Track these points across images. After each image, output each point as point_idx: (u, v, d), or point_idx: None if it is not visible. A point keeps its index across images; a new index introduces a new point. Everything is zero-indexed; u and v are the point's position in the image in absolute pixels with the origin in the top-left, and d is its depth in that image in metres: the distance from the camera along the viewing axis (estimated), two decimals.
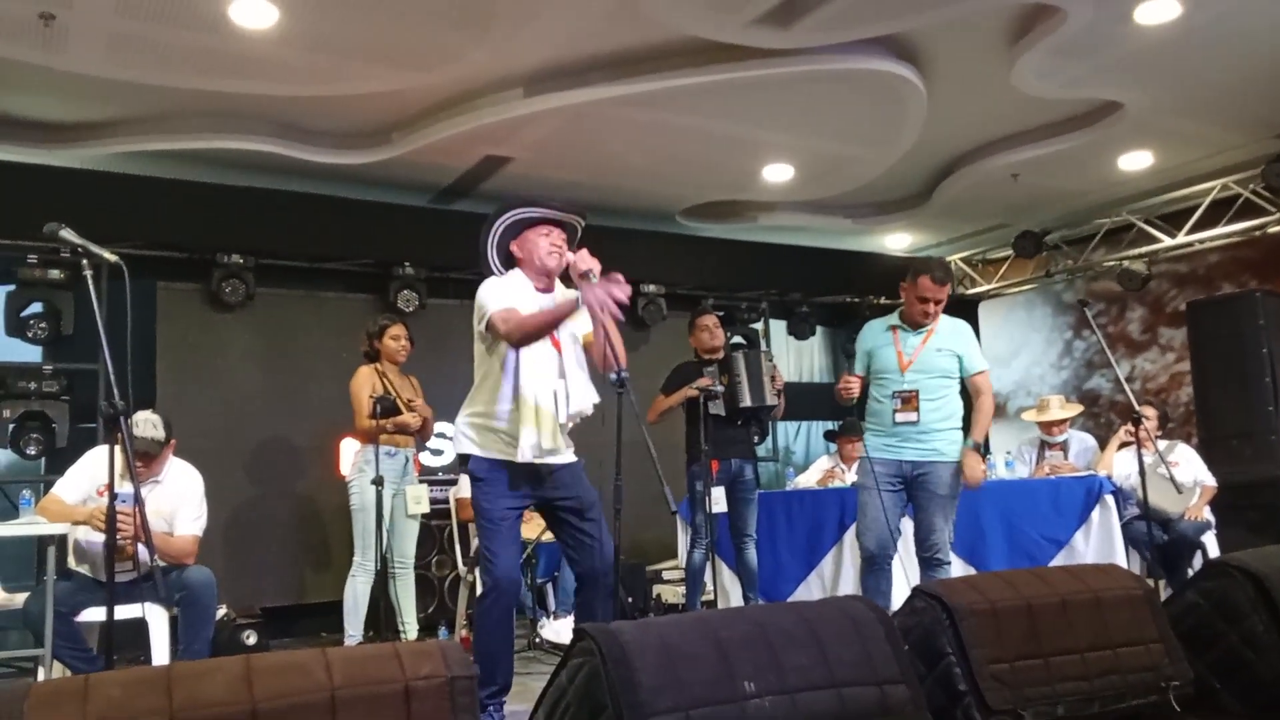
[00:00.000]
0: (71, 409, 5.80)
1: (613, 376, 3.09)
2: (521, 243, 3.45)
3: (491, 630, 3.35)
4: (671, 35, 5.05)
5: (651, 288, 7.80)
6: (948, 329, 4.40)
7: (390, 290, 6.92)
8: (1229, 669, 2.36)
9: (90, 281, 2.79)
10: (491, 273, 3.47)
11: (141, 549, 3.16)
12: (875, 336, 4.44)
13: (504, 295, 3.34)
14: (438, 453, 7.07)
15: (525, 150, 6.35)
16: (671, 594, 6.48)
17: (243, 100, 5.55)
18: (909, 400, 4.25)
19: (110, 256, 2.80)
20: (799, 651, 1.87)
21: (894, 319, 4.44)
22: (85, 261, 2.79)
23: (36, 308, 5.83)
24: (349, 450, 5.65)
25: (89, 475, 4.01)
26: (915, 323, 4.35)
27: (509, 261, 3.48)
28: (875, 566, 4.30)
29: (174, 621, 4.11)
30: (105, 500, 3.66)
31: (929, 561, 4.27)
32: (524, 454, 3.28)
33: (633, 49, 5.23)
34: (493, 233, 3.45)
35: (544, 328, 3.29)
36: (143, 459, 4.06)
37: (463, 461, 3.43)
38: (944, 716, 2.06)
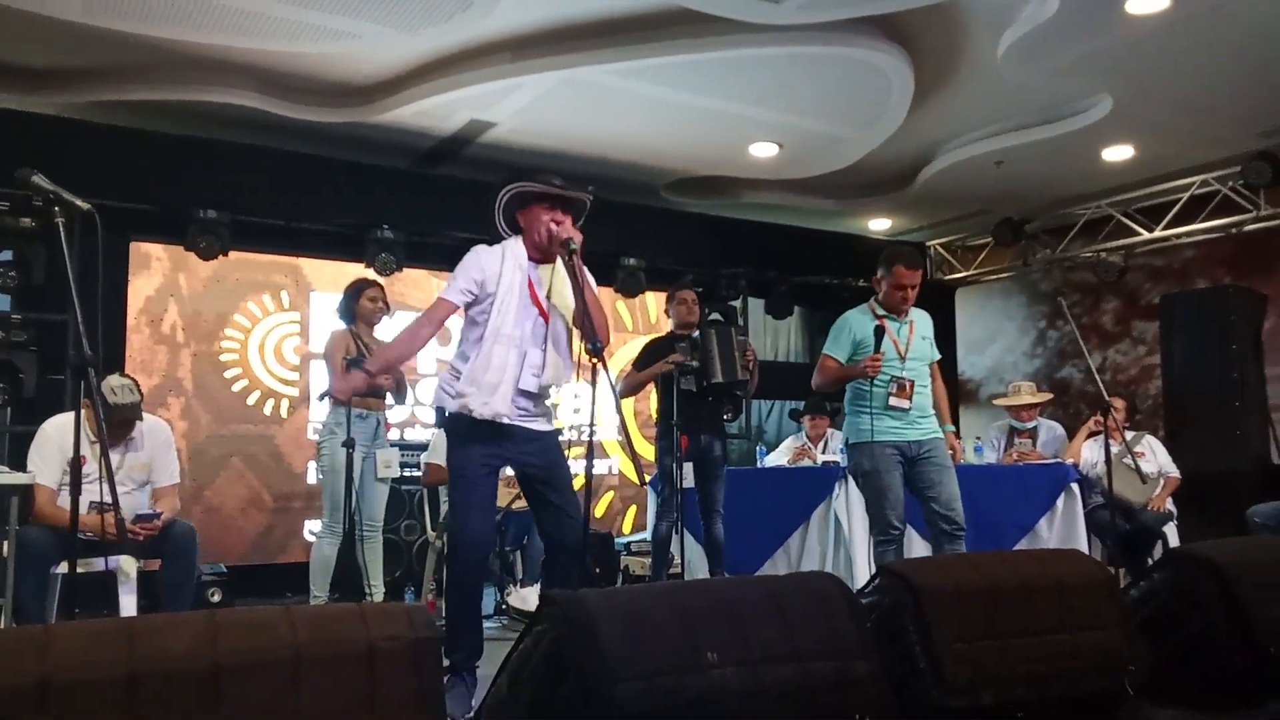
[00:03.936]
0: (40, 360, 5.72)
1: (588, 345, 3.10)
2: (526, 213, 3.48)
3: (461, 589, 3.36)
4: (663, 5, 5.01)
5: (632, 261, 7.77)
6: (919, 317, 4.56)
7: (368, 252, 6.85)
8: (1186, 655, 2.40)
9: (61, 230, 2.74)
10: (499, 234, 3.53)
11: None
12: (865, 326, 4.42)
13: (471, 273, 3.38)
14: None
15: (510, 117, 6.28)
16: (639, 566, 6.51)
17: (224, 53, 5.45)
18: (904, 387, 4.34)
19: (83, 205, 2.75)
20: (764, 625, 1.88)
21: (876, 308, 4.48)
22: (57, 209, 2.74)
23: (6, 255, 5.73)
24: (320, 411, 5.62)
25: (60, 449, 3.95)
26: (897, 310, 4.45)
27: (516, 226, 3.52)
28: (898, 541, 4.29)
29: (149, 575, 4.09)
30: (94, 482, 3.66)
31: (951, 534, 4.26)
32: (496, 410, 3.31)
33: (624, 18, 5.18)
34: (499, 201, 3.49)
35: (393, 360, 3.71)
36: (126, 425, 4.04)
37: (439, 415, 3.45)
38: (905, 693, 2.08)
